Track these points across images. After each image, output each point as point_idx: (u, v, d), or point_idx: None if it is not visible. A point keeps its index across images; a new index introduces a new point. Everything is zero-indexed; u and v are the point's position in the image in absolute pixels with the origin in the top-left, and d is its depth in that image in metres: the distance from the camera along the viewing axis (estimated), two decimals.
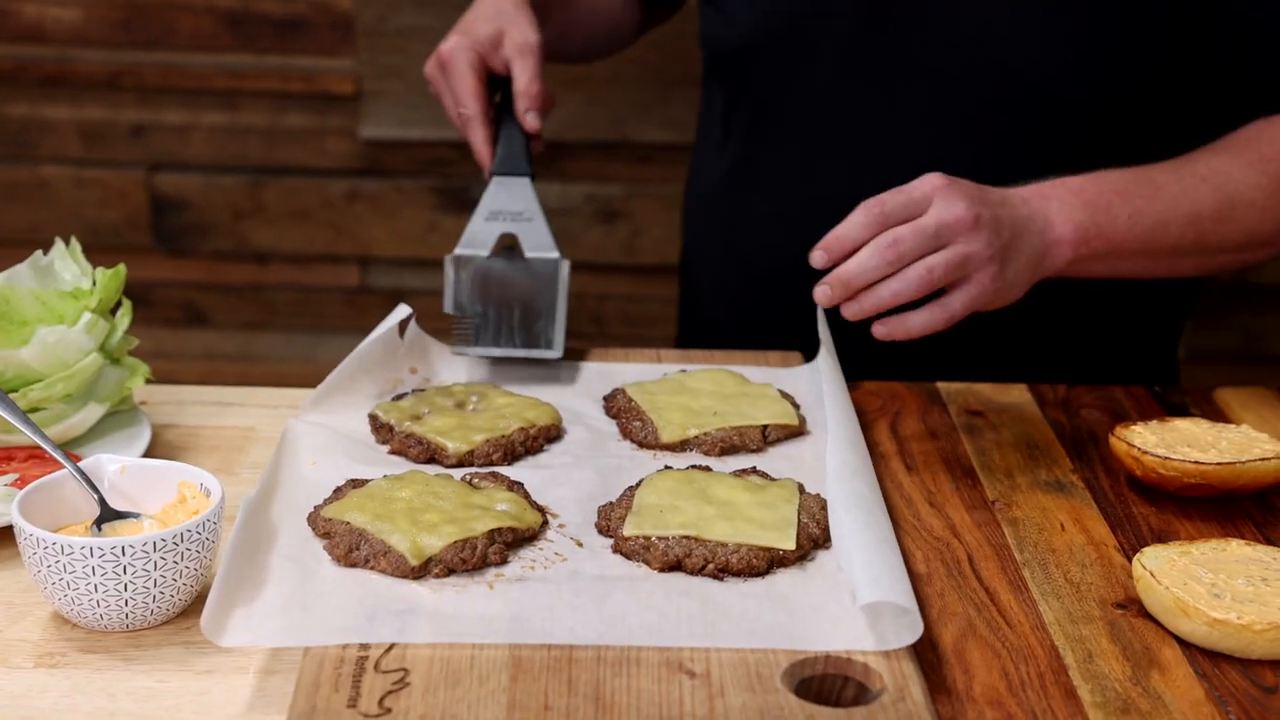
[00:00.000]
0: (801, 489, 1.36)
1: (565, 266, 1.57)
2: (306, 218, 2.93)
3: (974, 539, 1.36)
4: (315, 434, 1.44)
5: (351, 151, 2.89)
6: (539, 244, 1.57)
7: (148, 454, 1.45)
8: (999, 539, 1.36)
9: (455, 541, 1.24)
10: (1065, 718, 1.13)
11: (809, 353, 1.67)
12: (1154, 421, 1.48)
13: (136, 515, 1.28)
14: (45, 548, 1.19)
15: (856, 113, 1.70)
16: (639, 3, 1.97)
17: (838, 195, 1.69)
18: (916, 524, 1.38)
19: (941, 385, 1.66)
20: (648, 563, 1.26)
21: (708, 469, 1.38)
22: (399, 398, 1.50)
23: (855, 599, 1.16)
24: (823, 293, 1.37)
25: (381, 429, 1.45)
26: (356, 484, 1.34)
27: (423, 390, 1.51)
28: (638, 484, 1.35)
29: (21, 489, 1.35)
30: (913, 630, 1.15)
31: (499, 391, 1.50)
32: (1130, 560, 1.33)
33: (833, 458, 1.32)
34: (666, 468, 1.39)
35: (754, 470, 1.39)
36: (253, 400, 1.62)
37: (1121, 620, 1.25)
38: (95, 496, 1.28)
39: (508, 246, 1.58)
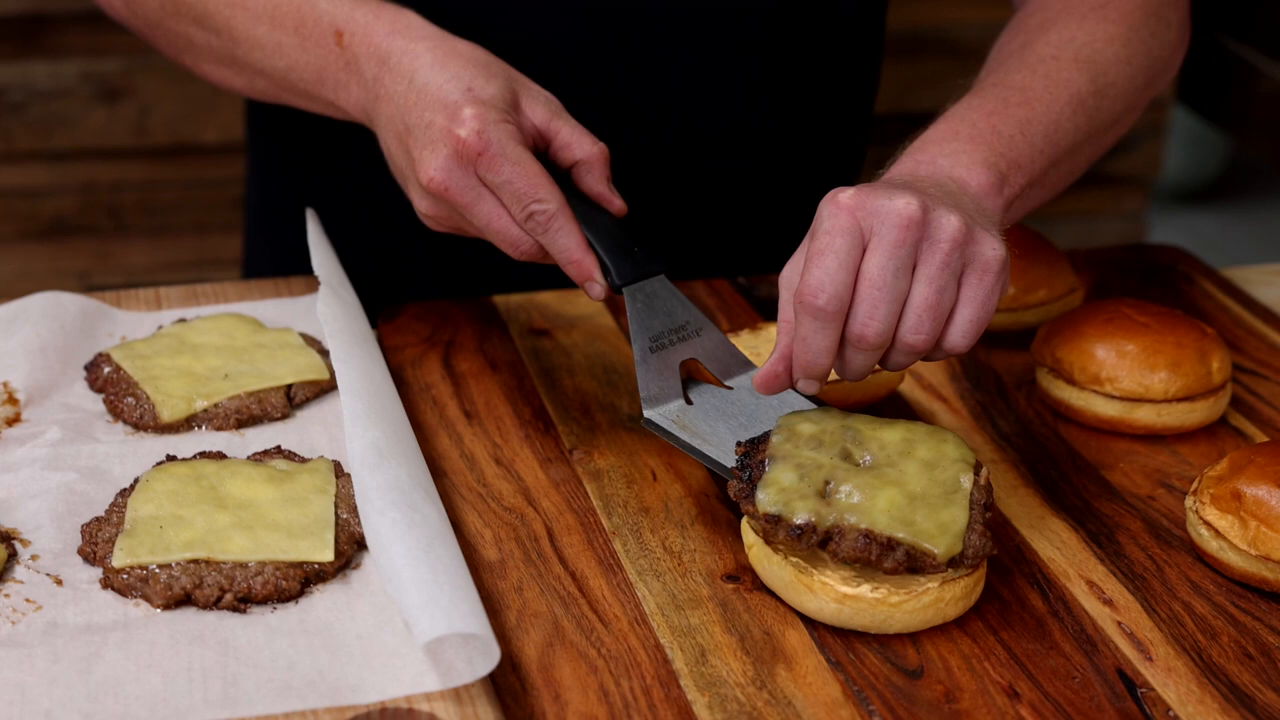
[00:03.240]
0: (339, 469, 1.10)
1: None
2: None
3: (552, 504, 1.13)
4: None
5: None
6: (729, 360, 1.16)
7: None
8: (582, 501, 1.14)
9: None
10: None
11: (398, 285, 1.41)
12: (745, 332, 1.27)
13: None
14: None
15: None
16: None
17: None
18: (483, 491, 1.14)
19: (500, 299, 1.41)
20: (148, 599, 0.99)
21: (220, 455, 1.11)
22: None
23: (412, 635, 0.91)
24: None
25: None
26: None
27: None
28: (133, 485, 1.07)
29: None
30: (487, 657, 0.92)
31: None
32: (739, 516, 1.12)
33: (356, 440, 1.06)
34: (169, 458, 1.11)
35: (279, 450, 1.12)
36: None
37: (734, 598, 1.04)
38: None
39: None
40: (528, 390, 1.28)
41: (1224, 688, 0.97)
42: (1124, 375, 1.20)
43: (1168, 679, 0.98)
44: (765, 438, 1.06)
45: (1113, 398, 1.21)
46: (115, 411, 1.18)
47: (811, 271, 1.00)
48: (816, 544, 0.99)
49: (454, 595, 0.93)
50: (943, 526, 0.99)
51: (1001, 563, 1.08)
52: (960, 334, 1.04)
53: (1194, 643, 1.01)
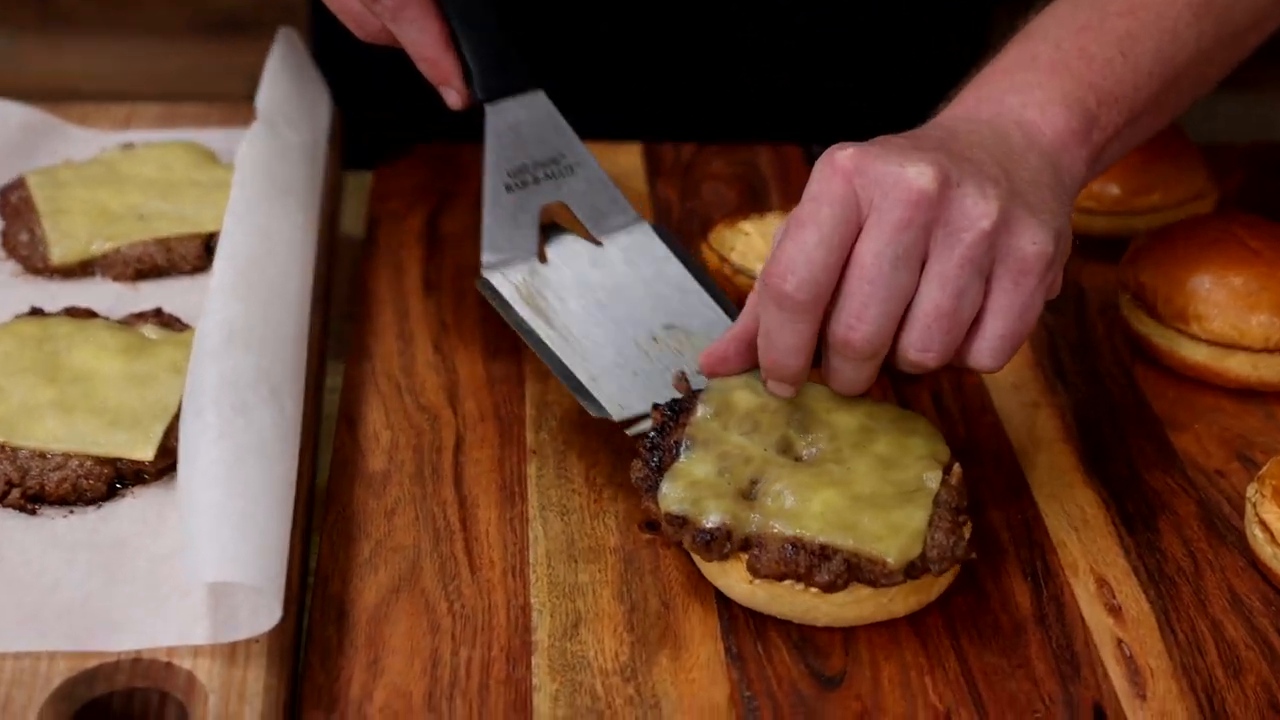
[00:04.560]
0: None
1: (663, 234, 0.96)
2: None
3: (477, 407, 0.94)
4: None
5: None
6: (606, 208, 0.95)
7: None
8: (514, 407, 0.94)
9: None
10: None
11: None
12: (776, 211, 1.05)
13: None
14: None
15: None
16: None
17: None
18: (404, 382, 0.96)
19: None
20: None
21: (90, 313, 0.94)
22: None
23: (191, 570, 0.74)
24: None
25: None
26: None
27: None
28: None
29: None
30: (268, 614, 0.74)
31: None
32: None
33: (210, 316, 0.87)
34: (33, 310, 0.95)
35: (157, 314, 0.95)
36: None
37: (645, 554, 0.84)
38: None
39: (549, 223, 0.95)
40: None
41: None
42: (1215, 314, 0.96)
43: None
44: (688, 404, 0.84)
45: (1201, 340, 0.96)
46: (9, 247, 1.03)
47: (784, 246, 0.76)
48: (732, 554, 0.79)
49: (242, 528, 0.75)
50: (894, 526, 0.77)
51: (998, 541, 0.86)
52: (988, 353, 0.78)
53: (1208, 680, 0.78)
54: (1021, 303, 0.77)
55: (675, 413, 0.84)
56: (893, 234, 0.75)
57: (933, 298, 0.76)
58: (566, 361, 0.87)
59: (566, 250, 0.92)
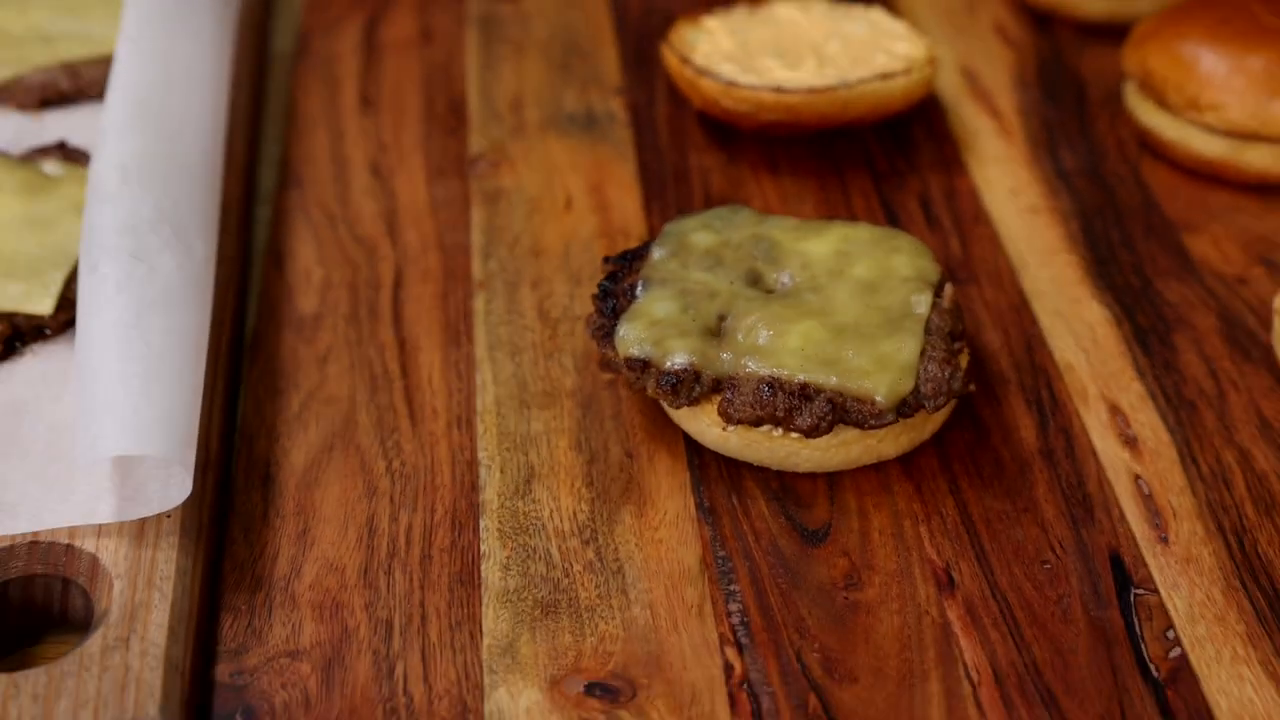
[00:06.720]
0: None
1: None
2: None
3: (420, 236, 0.85)
4: None
5: None
6: None
7: None
8: (459, 234, 0.85)
9: None
10: (447, 645, 0.65)
11: None
12: (742, 5, 0.95)
13: None
14: None
15: None
16: None
17: None
18: (339, 211, 0.87)
19: None
20: None
21: None
22: None
23: (89, 444, 0.65)
24: None
25: None
26: None
27: None
28: None
29: None
30: (180, 487, 0.65)
31: None
32: None
33: (102, 156, 0.78)
34: None
35: (61, 147, 0.85)
36: None
37: (606, 396, 0.76)
38: None
39: None
40: (455, 73, 0.98)
41: (1262, 599, 0.66)
42: (1233, 101, 0.86)
43: (1181, 577, 0.67)
44: (641, 251, 0.76)
45: (1217, 131, 0.87)
46: None
47: None
48: (702, 397, 0.70)
49: (146, 394, 0.66)
50: (882, 359, 0.69)
51: (998, 367, 0.77)
52: None
53: (1237, 519, 0.70)
54: None
55: (627, 260, 0.75)
56: None
57: None
58: None
59: None
